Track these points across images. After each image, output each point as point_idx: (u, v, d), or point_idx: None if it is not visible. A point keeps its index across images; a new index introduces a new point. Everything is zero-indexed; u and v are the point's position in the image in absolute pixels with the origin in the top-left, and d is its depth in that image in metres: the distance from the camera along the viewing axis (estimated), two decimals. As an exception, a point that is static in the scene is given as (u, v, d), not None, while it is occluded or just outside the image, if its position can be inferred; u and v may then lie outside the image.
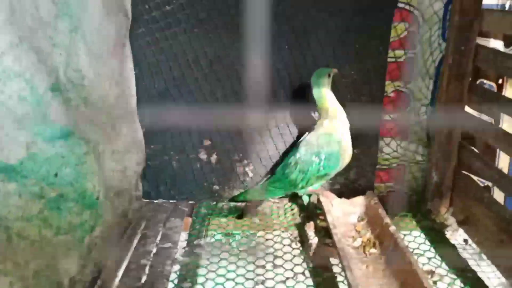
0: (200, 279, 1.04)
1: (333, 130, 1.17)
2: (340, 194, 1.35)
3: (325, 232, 1.13)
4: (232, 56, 1.28)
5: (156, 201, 1.40)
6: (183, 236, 1.22)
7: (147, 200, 1.39)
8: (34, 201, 0.72)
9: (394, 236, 0.98)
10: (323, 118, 1.19)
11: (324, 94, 1.16)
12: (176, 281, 1.03)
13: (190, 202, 1.40)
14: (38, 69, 0.66)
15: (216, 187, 1.41)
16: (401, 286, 0.92)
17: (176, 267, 1.08)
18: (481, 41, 1.16)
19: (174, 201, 1.40)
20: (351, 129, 1.21)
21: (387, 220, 1.06)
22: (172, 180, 1.39)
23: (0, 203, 0.63)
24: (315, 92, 1.18)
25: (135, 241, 1.17)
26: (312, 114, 1.30)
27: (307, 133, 1.25)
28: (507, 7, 1.10)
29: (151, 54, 1.26)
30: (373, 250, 1.04)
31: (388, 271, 0.97)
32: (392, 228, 1.02)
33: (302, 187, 1.22)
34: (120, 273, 1.02)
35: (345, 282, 0.94)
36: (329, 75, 1.16)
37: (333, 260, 1.07)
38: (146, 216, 1.30)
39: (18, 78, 0.62)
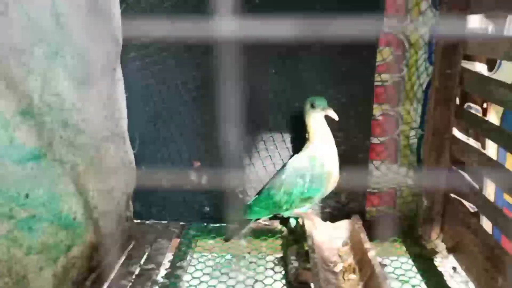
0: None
1: (318, 154, 1.17)
2: (331, 217, 1.35)
3: (306, 256, 1.12)
4: (220, 79, 1.30)
5: (147, 221, 1.42)
6: (168, 257, 1.23)
7: (138, 221, 1.41)
8: (3, 222, 0.74)
9: (372, 263, 0.97)
10: (310, 141, 1.20)
11: (310, 119, 1.17)
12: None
13: (181, 223, 1.42)
14: (4, 95, 0.70)
15: (206, 208, 1.42)
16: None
17: (156, 289, 1.09)
18: (467, 64, 1.15)
19: (165, 222, 1.42)
20: (340, 152, 1.21)
21: (368, 245, 1.04)
22: (163, 201, 1.41)
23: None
24: (305, 116, 1.18)
25: (120, 262, 1.19)
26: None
27: (295, 155, 1.25)
28: (489, 31, 1.09)
29: (141, 78, 1.30)
30: (352, 276, 1.02)
31: (365, 298, 0.95)
32: (371, 254, 1.00)
33: (287, 209, 1.22)
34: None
35: (320, 308, 0.93)
36: (312, 105, 1.15)
37: (312, 285, 1.05)
38: (134, 236, 1.32)
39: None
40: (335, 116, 1.13)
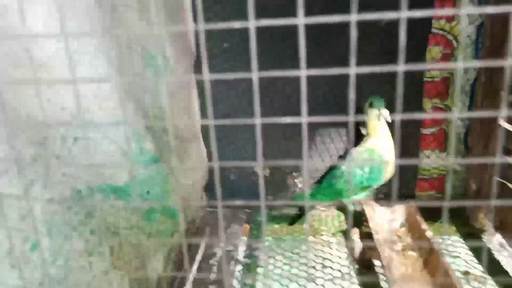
0: (259, 277, 1.22)
1: (376, 146, 1.32)
2: (385, 202, 1.49)
3: (368, 237, 1.27)
4: (282, 80, 1.46)
5: (217, 210, 1.60)
6: (243, 240, 1.41)
7: (210, 209, 1.60)
8: (134, 214, 0.93)
9: (431, 241, 1.11)
10: (369, 135, 1.34)
11: (370, 116, 1.31)
12: (239, 278, 1.22)
13: (247, 210, 1.59)
14: (137, 114, 0.87)
15: (269, 197, 1.59)
16: (437, 286, 1.04)
17: (239, 267, 1.26)
18: None
19: (233, 209, 1.60)
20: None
21: (425, 226, 1.18)
22: (231, 191, 1.59)
23: (114, 216, 0.84)
24: (366, 112, 1.32)
25: (203, 245, 1.37)
26: (363, 130, 1.44)
27: (354, 147, 1.40)
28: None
29: (212, 85, 1.46)
30: (411, 253, 1.17)
31: (425, 272, 1.10)
32: (429, 233, 1.14)
33: (347, 196, 1.37)
34: (194, 270, 1.23)
35: (386, 281, 1.08)
36: (371, 105, 1.29)
37: (376, 262, 1.21)
38: (210, 223, 1.50)
39: (125, 124, 0.83)
40: (388, 118, 1.26)
